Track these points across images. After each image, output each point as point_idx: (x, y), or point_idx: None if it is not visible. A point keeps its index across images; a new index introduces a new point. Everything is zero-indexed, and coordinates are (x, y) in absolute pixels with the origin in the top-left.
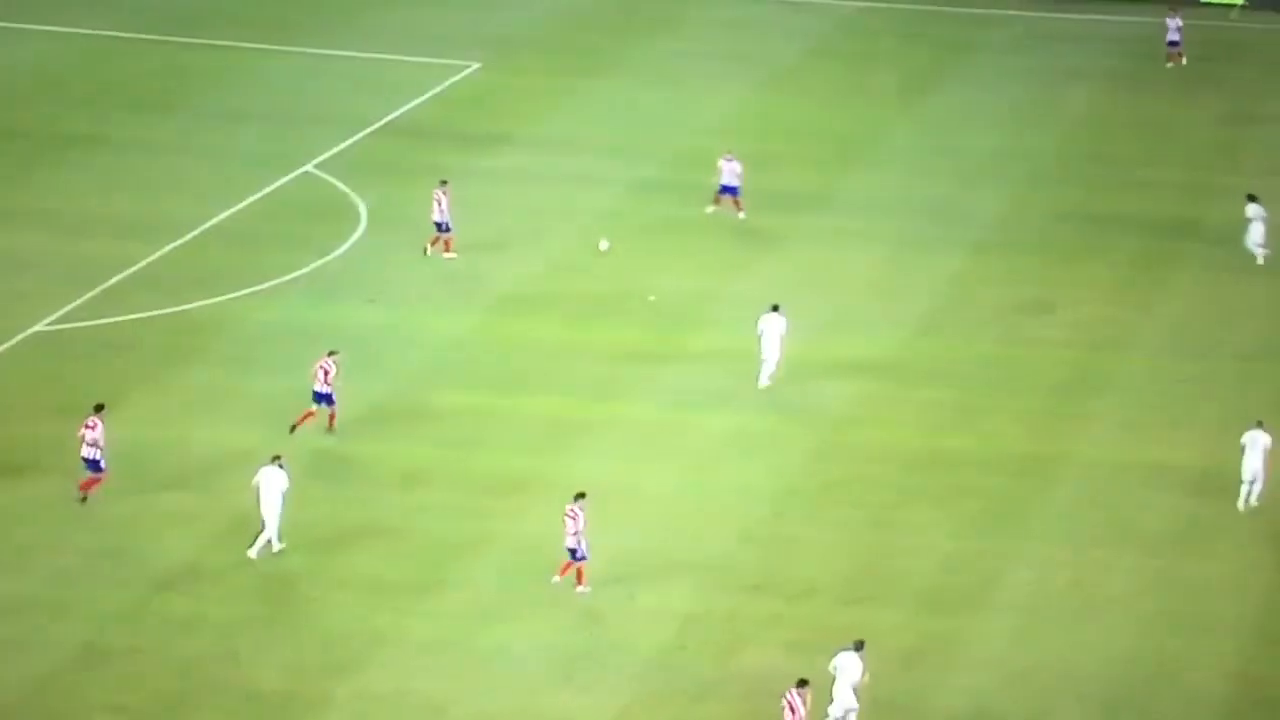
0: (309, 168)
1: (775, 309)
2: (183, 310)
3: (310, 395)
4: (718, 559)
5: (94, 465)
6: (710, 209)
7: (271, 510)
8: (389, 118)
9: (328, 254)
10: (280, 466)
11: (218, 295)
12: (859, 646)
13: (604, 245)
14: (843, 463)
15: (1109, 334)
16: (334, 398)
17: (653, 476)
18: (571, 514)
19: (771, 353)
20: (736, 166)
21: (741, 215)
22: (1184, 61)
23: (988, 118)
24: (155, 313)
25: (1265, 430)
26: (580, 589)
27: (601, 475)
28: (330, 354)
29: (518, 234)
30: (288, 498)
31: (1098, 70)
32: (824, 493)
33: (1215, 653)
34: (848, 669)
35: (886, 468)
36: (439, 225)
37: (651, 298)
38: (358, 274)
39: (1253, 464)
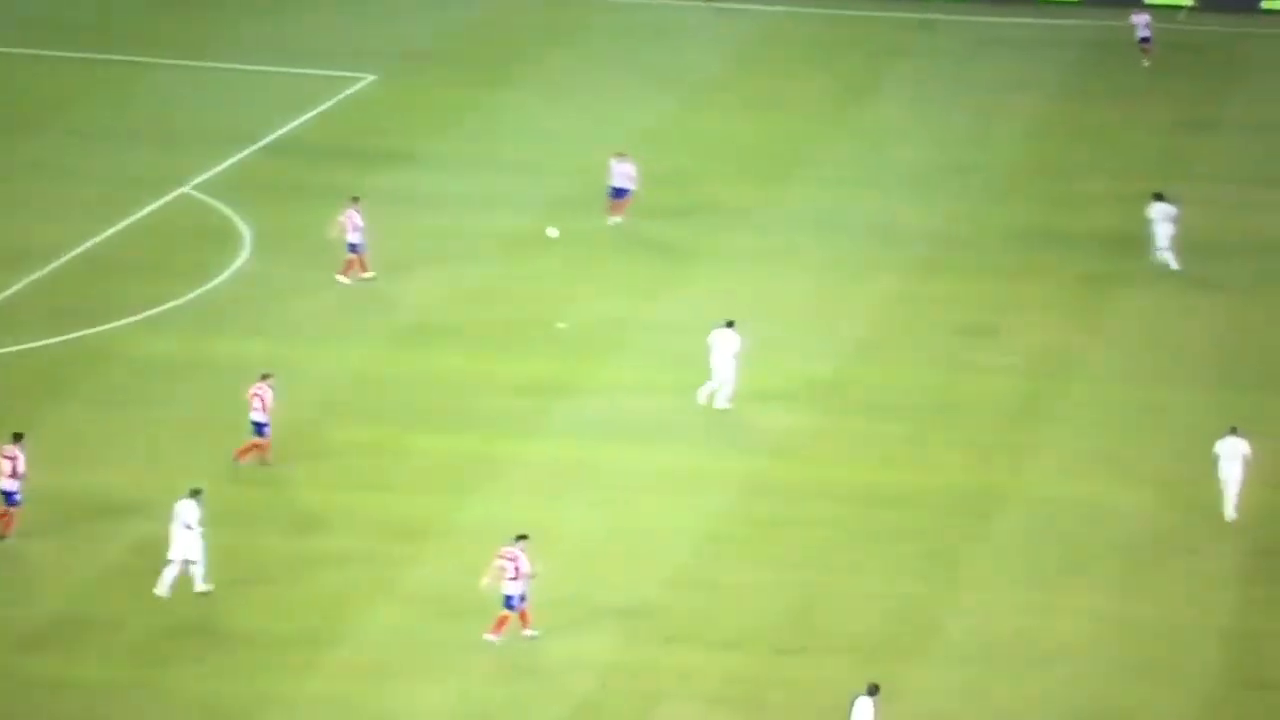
0: (187, 189)
1: (729, 325)
2: (45, 345)
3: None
4: (638, 606)
5: (10, 499)
6: (613, 220)
7: (190, 548)
8: (275, 135)
9: (208, 282)
10: (198, 502)
11: (86, 328)
12: (873, 691)
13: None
14: (774, 501)
15: (1056, 359)
16: (267, 429)
17: (567, 518)
18: (510, 556)
19: (723, 372)
20: (629, 168)
21: (619, 219)
22: (1146, 63)
23: (926, 129)
24: (16, 348)
25: (1241, 436)
26: (527, 631)
27: (510, 517)
28: (264, 377)
29: (418, 258)
30: (206, 535)
31: (1043, 78)
32: (754, 533)
33: (1177, 703)
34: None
35: (821, 505)
36: (352, 246)
37: (562, 325)
38: (242, 303)
39: (1232, 473)
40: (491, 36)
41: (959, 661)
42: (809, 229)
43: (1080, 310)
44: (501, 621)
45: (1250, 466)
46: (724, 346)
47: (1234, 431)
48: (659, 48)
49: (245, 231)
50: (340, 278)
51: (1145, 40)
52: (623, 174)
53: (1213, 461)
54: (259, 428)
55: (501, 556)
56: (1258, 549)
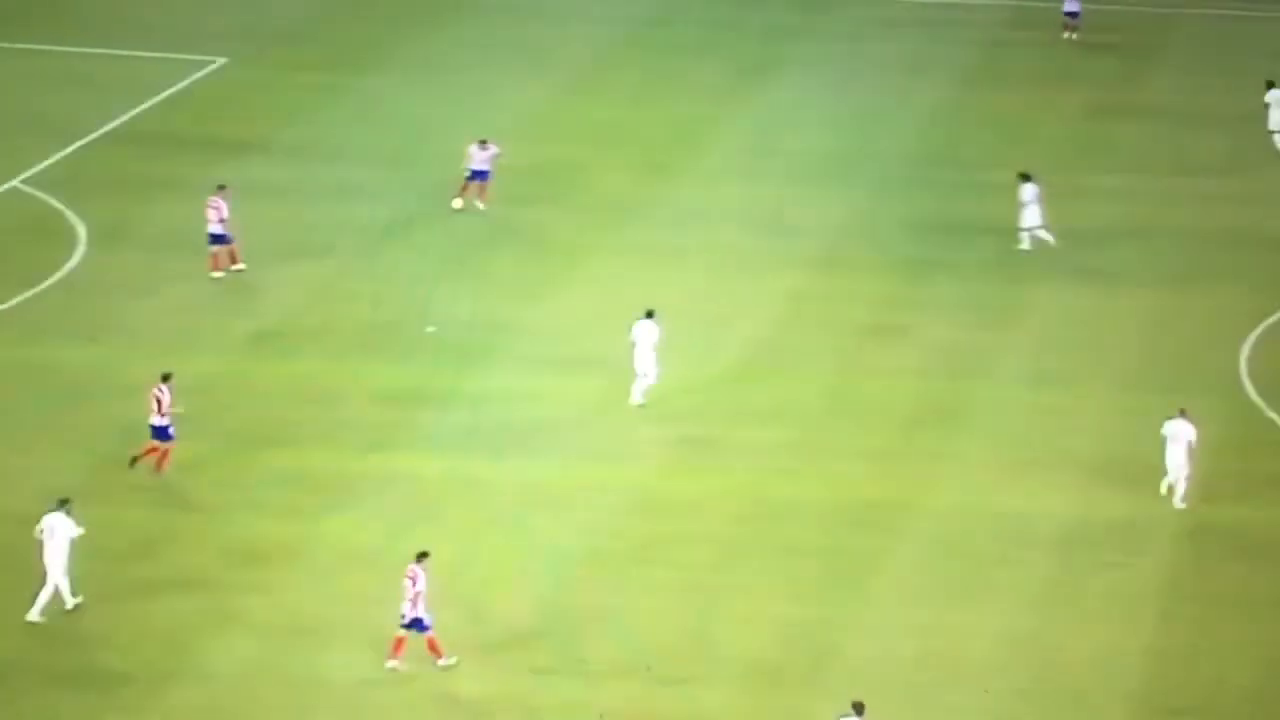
0: (15, 183)
1: (649, 315)
2: None
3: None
4: (512, 634)
5: (164, 432)
6: (457, 202)
7: (57, 563)
8: (115, 123)
9: (37, 283)
10: (67, 513)
11: None
12: (859, 710)
13: (430, 330)
14: (661, 518)
15: (962, 360)
16: (171, 431)
17: (434, 539)
18: (411, 575)
19: (647, 365)
20: (494, 150)
21: (465, 203)
22: (1074, 36)
23: (824, 116)
24: None
25: (1188, 420)
26: (442, 661)
27: (372, 539)
28: (164, 378)
29: (273, 257)
30: (74, 547)
31: (948, 61)
32: (638, 553)
33: None
34: None
35: (712, 522)
36: (218, 238)
37: (430, 329)
38: (75, 306)
39: (1176, 458)
40: (356, 17)
41: (860, 687)
42: (699, 223)
43: (988, 307)
44: (400, 644)
45: (1195, 453)
46: (645, 338)
47: (1182, 414)
48: (540, 29)
49: (80, 228)
50: (214, 273)
51: (1072, 14)
52: (483, 158)
53: (1161, 444)
54: (157, 431)
55: (406, 576)
56: (1177, 563)
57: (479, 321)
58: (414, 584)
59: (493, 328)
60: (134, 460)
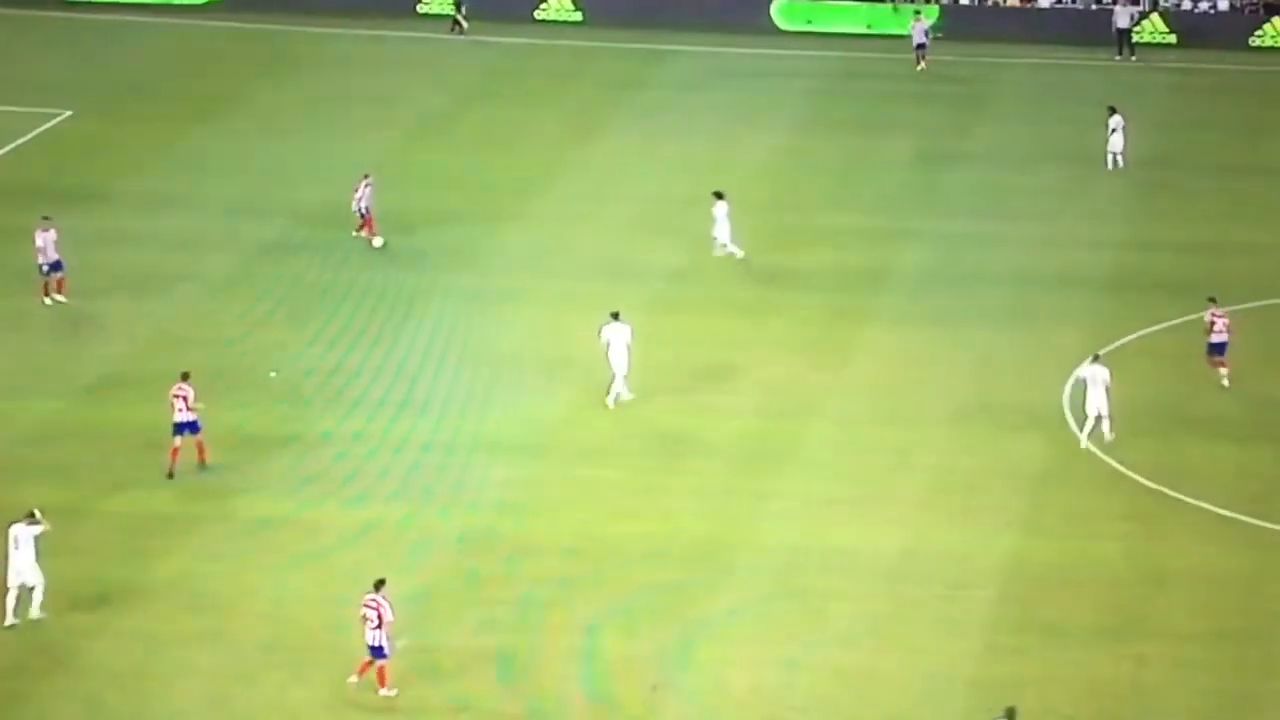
0: None
1: (615, 316)
2: None
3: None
4: (345, 675)
5: (193, 427)
6: (378, 240)
7: (30, 571)
8: None
9: None
10: (35, 521)
11: None
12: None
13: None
14: (493, 556)
15: (796, 399)
16: (199, 425)
17: (267, 583)
18: (372, 604)
19: (620, 366)
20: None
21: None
22: (923, 66)
23: (659, 163)
24: None
25: (1102, 364)
26: (384, 691)
27: (207, 582)
28: (184, 376)
29: (116, 304)
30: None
31: (780, 110)
32: (470, 592)
33: None
34: None
35: (544, 561)
36: (52, 266)
37: (273, 373)
38: None
39: (1096, 400)
40: (200, 71)
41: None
42: (538, 267)
43: (819, 348)
44: (366, 665)
45: (1111, 394)
46: (618, 339)
47: (1096, 359)
48: (380, 81)
49: None
50: (57, 295)
51: (921, 47)
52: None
53: (1081, 389)
54: (181, 427)
55: (365, 605)
56: (1004, 595)
57: (320, 366)
58: (376, 612)
59: (333, 372)
60: (170, 473)
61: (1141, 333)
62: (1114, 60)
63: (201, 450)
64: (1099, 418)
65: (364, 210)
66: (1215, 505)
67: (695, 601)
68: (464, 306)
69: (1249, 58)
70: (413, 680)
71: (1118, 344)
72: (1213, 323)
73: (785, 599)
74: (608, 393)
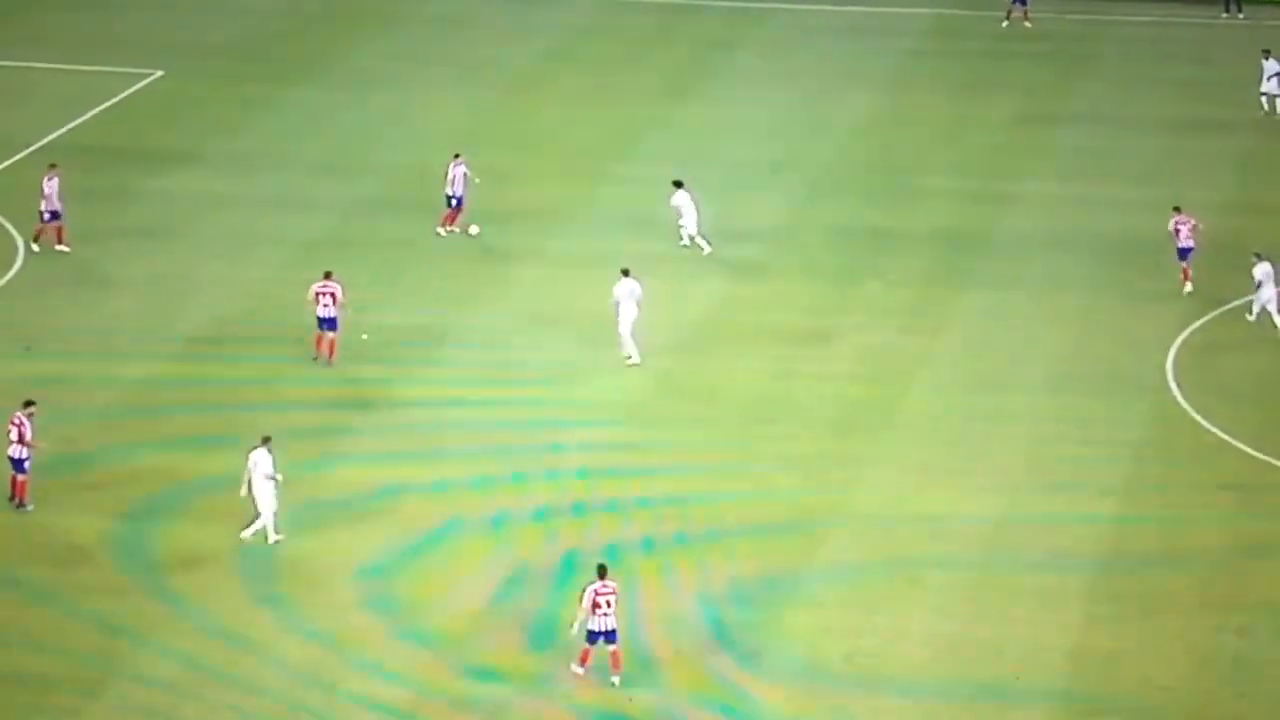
0: None
1: (625, 273)
2: None
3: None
4: (441, 641)
5: (19, 465)
6: (444, 230)
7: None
8: (53, 135)
9: None
10: (268, 450)
11: None
12: None
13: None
14: (586, 523)
15: (891, 365)
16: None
17: (359, 545)
18: (607, 591)
19: (628, 320)
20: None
21: (474, 230)
22: (1028, 24)
23: (753, 124)
24: None
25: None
26: (615, 678)
27: (299, 544)
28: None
29: (213, 265)
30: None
31: (875, 69)
32: (565, 559)
33: None
34: None
35: (636, 522)
36: (52, 214)
37: (364, 336)
38: (13, 317)
39: (1268, 291)
40: (289, 31)
41: (784, 687)
42: (631, 230)
43: (915, 313)
44: (615, 655)
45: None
46: (628, 296)
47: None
48: (473, 40)
49: (18, 240)
50: (55, 245)
51: (1020, 2)
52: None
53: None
54: (328, 323)
55: (598, 593)
56: (1102, 565)
57: (411, 328)
58: (613, 602)
59: (425, 335)
60: (317, 357)
61: (1247, 298)
62: (1221, 18)
63: (331, 349)
64: (1269, 310)
65: (458, 198)
66: None
67: (789, 568)
68: (554, 269)
69: None
70: (511, 645)
71: (1222, 310)
72: (1177, 229)
73: (880, 566)
74: (626, 354)
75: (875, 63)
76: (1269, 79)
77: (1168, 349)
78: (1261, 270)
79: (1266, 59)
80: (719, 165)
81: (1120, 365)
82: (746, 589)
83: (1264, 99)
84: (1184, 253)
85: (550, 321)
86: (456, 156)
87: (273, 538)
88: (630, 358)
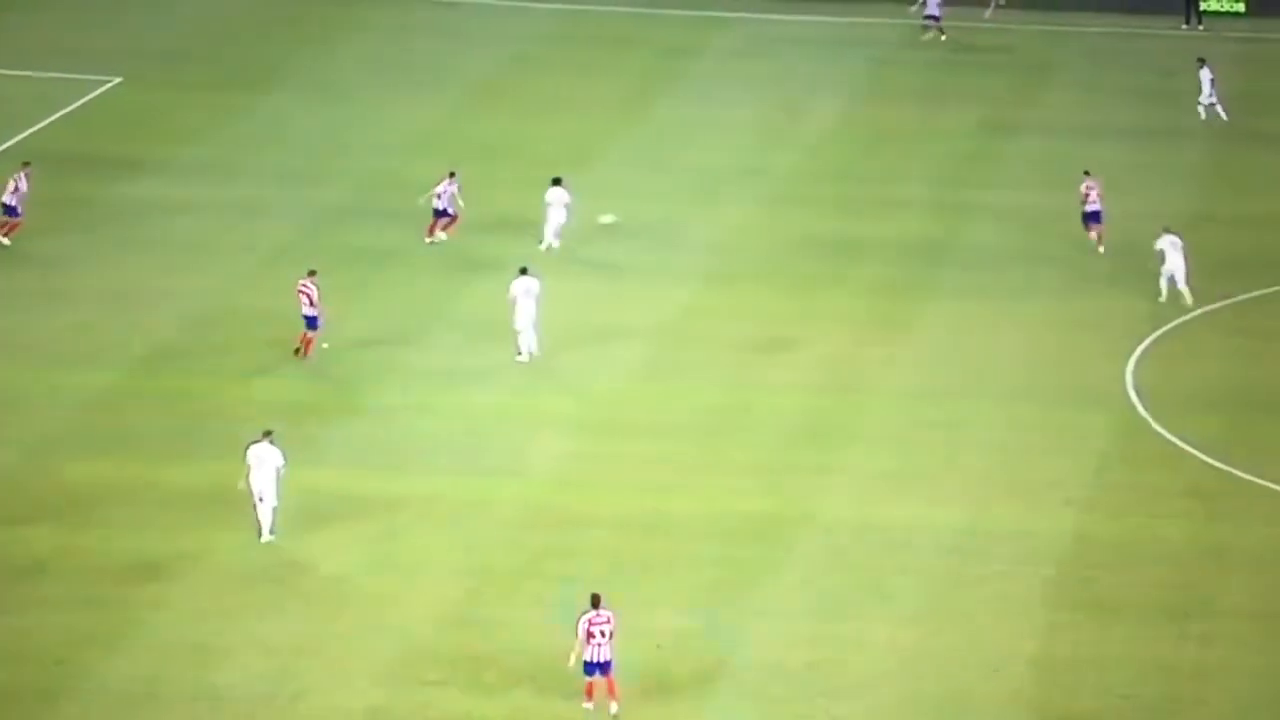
0: None
1: (524, 271)
2: None
3: None
4: (405, 648)
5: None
6: (429, 239)
7: (270, 489)
8: (10, 142)
9: None
10: (272, 442)
11: None
12: None
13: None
14: (549, 531)
15: (854, 373)
16: (319, 321)
17: (325, 553)
18: (601, 621)
19: (526, 321)
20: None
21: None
22: (943, 38)
23: (715, 132)
24: None
25: (1173, 232)
26: (614, 706)
27: (263, 553)
28: (310, 274)
29: (169, 274)
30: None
31: (839, 78)
32: (528, 566)
33: None
34: None
35: (600, 535)
36: (8, 210)
37: (325, 345)
38: None
39: (1176, 261)
40: (250, 37)
41: (746, 697)
42: (591, 238)
43: (877, 321)
44: (609, 686)
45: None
46: (525, 294)
47: (1167, 230)
48: (435, 47)
49: None
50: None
51: (933, 18)
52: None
53: (1158, 258)
54: (310, 321)
55: (591, 623)
56: (1064, 573)
57: (374, 338)
58: (609, 626)
59: (385, 343)
60: (298, 351)
61: (1208, 308)
62: (1181, 29)
63: (308, 346)
64: (1173, 280)
65: (444, 209)
66: (1279, 484)
67: (753, 578)
68: (515, 276)
69: None
70: (473, 651)
71: (1183, 319)
72: (1086, 194)
73: (843, 575)
74: (518, 352)
75: (839, 72)
76: (1207, 88)
77: (1128, 357)
78: (1165, 241)
79: (1201, 68)
80: (681, 173)
81: (1082, 374)
82: (709, 598)
83: (1201, 108)
84: (1092, 216)
85: (508, 328)
86: (451, 175)
87: (267, 536)
88: (520, 355)
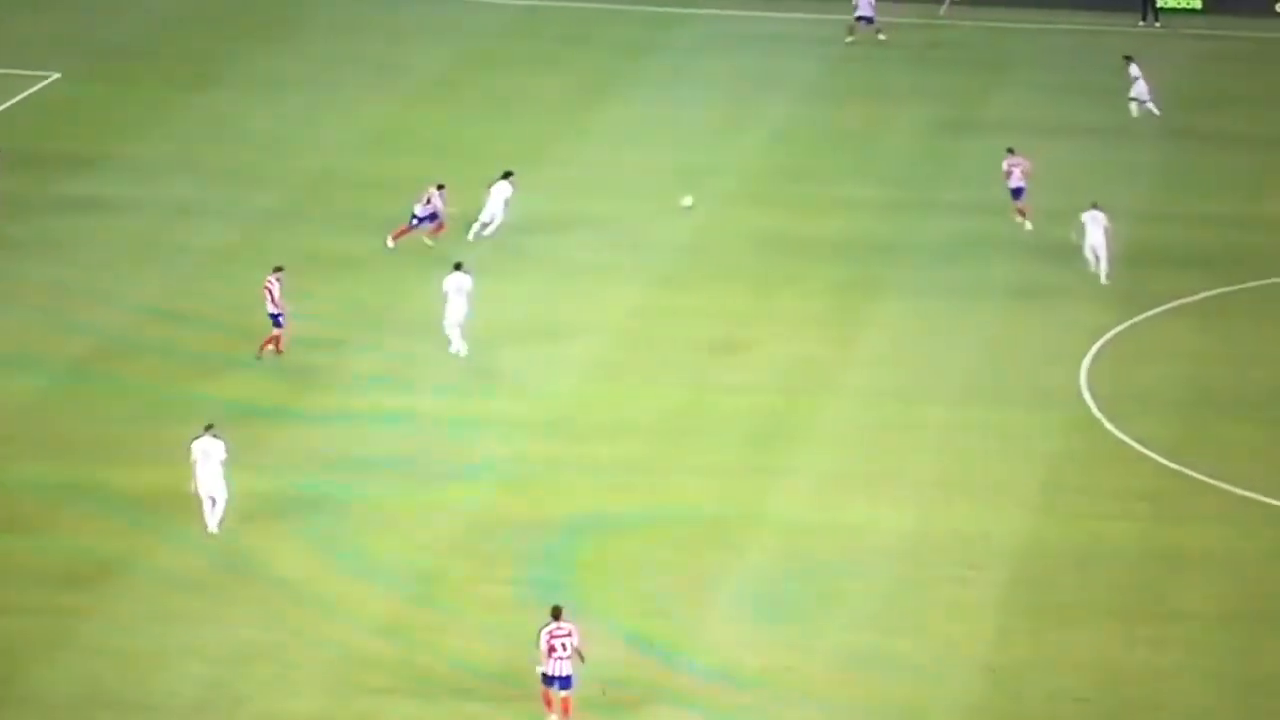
0: None
1: (458, 267)
2: None
3: None
4: (346, 654)
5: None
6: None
7: (218, 483)
8: None
9: None
10: (215, 435)
11: None
12: None
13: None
14: (498, 535)
15: (807, 374)
16: (281, 319)
17: (267, 558)
18: (561, 634)
19: (457, 314)
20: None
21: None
22: (881, 37)
23: (669, 130)
24: None
25: (1100, 209)
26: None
27: (209, 559)
28: (275, 270)
29: (109, 274)
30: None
31: (794, 76)
32: (478, 571)
33: None
34: None
35: (553, 539)
36: None
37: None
38: None
39: (1097, 237)
40: (192, 31)
41: (698, 703)
42: (541, 237)
43: (831, 322)
44: (547, 698)
45: (1111, 234)
46: (457, 289)
47: (1095, 206)
48: (381, 44)
49: None
50: None
51: (866, 20)
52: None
53: (1079, 231)
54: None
55: (552, 635)
56: (1018, 576)
57: (317, 339)
58: (572, 639)
59: (330, 345)
60: (260, 351)
61: (1162, 307)
62: (1138, 26)
63: (277, 343)
64: (1098, 257)
65: (423, 218)
66: (1234, 485)
67: (705, 582)
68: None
69: (1275, 24)
70: (421, 657)
71: (1137, 319)
72: (1010, 171)
73: (796, 578)
74: (449, 343)
75: (794, 70)
76: (1139, 85)
77: (1082, 358)
78: (1088, 215)
79: (1130, 64)
80: (634, 171)
81: (1036, 374)
82: (661, 601)
83: (1134, 105)
84: (1016, 193)
85: (459, 331)
86: (441, 187)
87: (213, 527)
88: (451, 345)
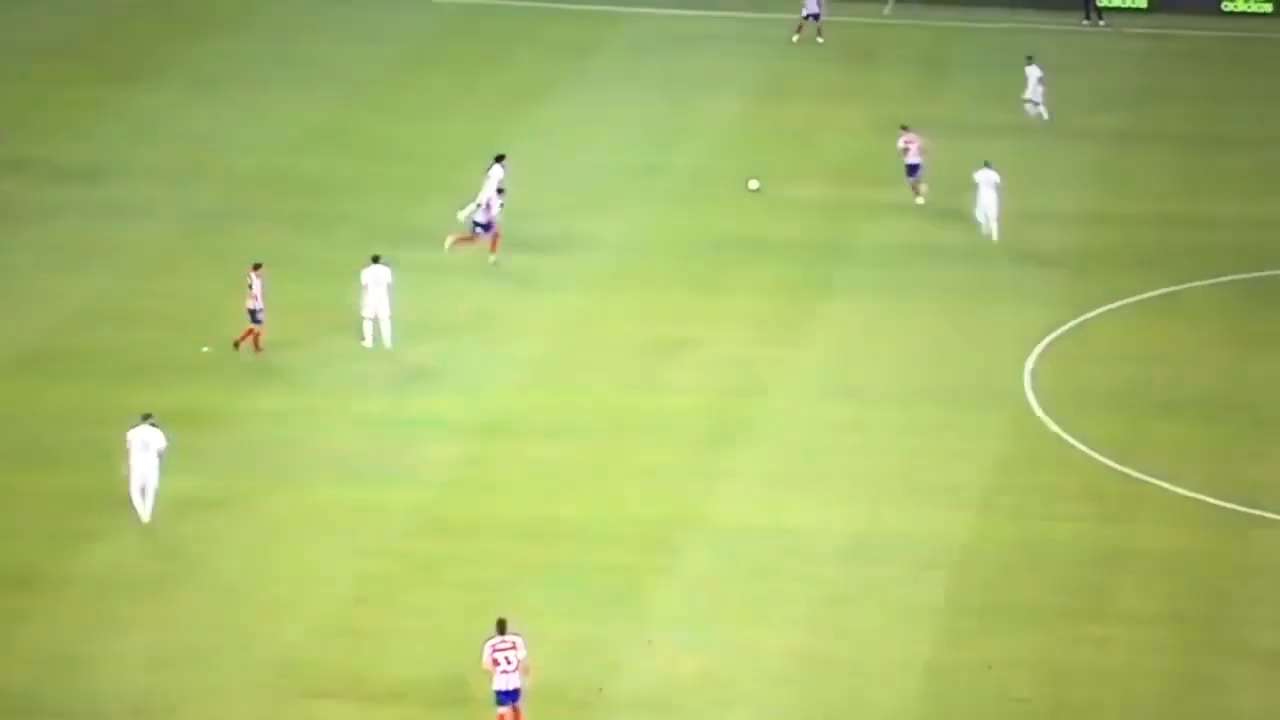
0: None
1: (376, 259)
2: None
3: None
4: (284, 658)
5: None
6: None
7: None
8: None
9: None
10: (153, 425)
11: None
12: None
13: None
14: (440, 537)
15: (749, 375)
16: (260, 316)
17: (204, 562)
18: (505, 647)
19: (381, 308)
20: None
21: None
22: (821, 40)
23: (610, 130)
24: None
25: (992, 168)
26: None
27: (139, 562)
28: (255, 267)
29: (42, 276)
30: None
31: (736, 76)
32: (417, 573)
33: None
34: None
35: (492, 541)
36: None
37: (205, 348)
38: None
39: (988, 197)
40: (127, 30)
41: (638, 706)
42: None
43: (774, 322)
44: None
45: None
46: (377, 282)
47: (987, 165)
48: (320, 42)
49: None
50: None
51: (813, 16)
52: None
53: (973, 192)
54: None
55: (495, 649)
56: (961, 577)
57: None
58: (516, 652)
59: (271, 347)
60: (237, 343)
61: (1105, 308)
62: (1082, 25)
63: (255, 339)
64: (988, 217)
65: (485, 224)
66: (1177, 485)
67: (645, 584)
68: (405, 279)
69: (1220, 22)
70: (359, 661)
71: (1081, 319)
72: (906, 148)
73: (738, 581)
74: (363, 336)
75: (737, 69)
76: (1033, 85)
77: (1026, 359)
78: (981, 175)
79: (1029, 64)
80: (575, 171)
81: (980, 375)
82: (601, 605)
83: (1029, 106)
84: (911, 169)
85: (400, 334)
86: (500, 191)
87: (147, 517)
88: (365, 341)
